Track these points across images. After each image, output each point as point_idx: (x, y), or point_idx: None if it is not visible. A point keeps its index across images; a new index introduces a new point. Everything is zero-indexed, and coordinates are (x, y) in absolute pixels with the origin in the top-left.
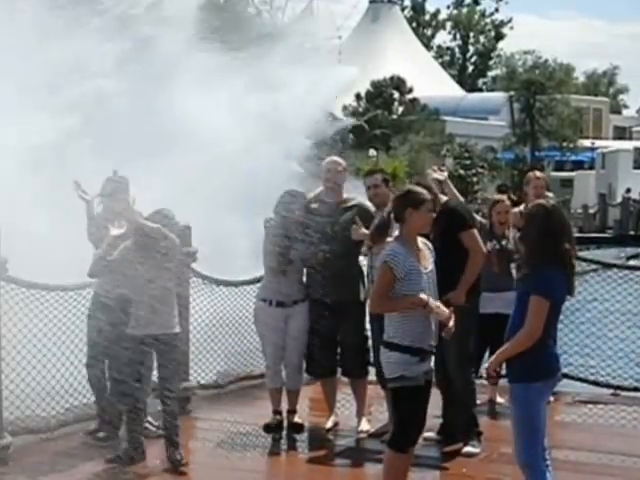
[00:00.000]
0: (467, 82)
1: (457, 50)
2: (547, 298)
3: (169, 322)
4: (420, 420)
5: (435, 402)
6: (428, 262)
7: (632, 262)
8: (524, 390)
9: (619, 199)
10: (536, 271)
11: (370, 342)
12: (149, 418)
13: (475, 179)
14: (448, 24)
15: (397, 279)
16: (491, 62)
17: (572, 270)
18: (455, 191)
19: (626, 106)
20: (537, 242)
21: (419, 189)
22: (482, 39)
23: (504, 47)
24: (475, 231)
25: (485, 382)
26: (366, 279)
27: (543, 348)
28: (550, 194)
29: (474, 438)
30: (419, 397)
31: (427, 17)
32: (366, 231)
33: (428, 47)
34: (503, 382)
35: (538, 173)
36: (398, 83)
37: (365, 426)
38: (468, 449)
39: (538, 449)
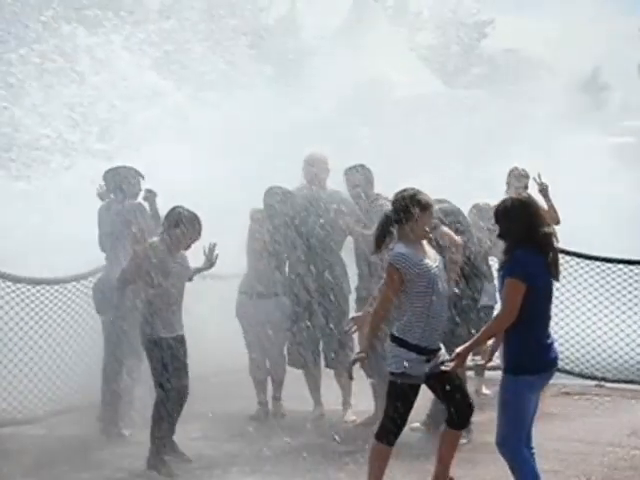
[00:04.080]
0: (450, 80)
1: (440, 49)
2: (522, 280)
3: (182, 321)
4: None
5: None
6: (435, 256)
7: None
8: (514, 381)
9: None
10: (511, 256)
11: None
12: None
13: None
14: (431, 24)
15: (405, 280)
16: (474, 61)
17: (554, 254)
18: None
19: None
20: (512, 230)
21: (423, 191)
22: (464, 38)
23: (486, 46)
24: (444, 228)
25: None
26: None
27: (536, 340)
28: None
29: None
30: (414, 395)
31: (410, 17)
32: (361, 229)
33: (411, 46)
34: (489, 374)
35: (520, 167)
36: (381, 82)
37: (351, 417)
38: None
39: (520, 437)
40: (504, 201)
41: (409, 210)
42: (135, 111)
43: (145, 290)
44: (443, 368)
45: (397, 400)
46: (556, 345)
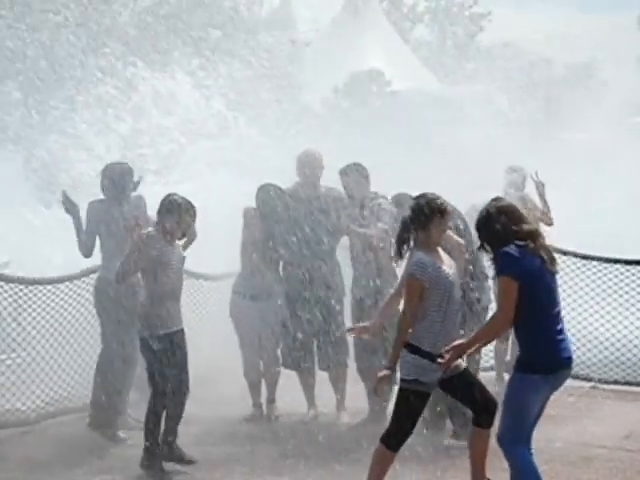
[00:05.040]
0: (446, 75)
1: (435, 43)
2: (513, 278)
3: (180, 315)
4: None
5: None
6: (450, 262)
7: None
8: (520, 380)
9: None
10: (497, 257)
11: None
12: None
13: None
14: (426, 17)
15: (425, 288)
16: (469, 55)
17: (545, 250)
18: None
19: None
20: (493, 238)
21: (441, 196)
22: (460, 32)
23: (483, 39)
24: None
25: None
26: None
27: (543, 339)
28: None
29: (459, 429)
30: (424, 403)
31: (405, 10)
32: (359, 229)
33: (406, 40)
34: (484, 375)
35: (517, 166)
36: (376, 76)
37: (345, 419)
38: (453, 440)
39: (518, 436)
40: (482, 211)
41: (429, 216)
42: (197, 146)
43: (145, 283)
44: (439, 360)
45: (406, 407)
46: (569, 345)
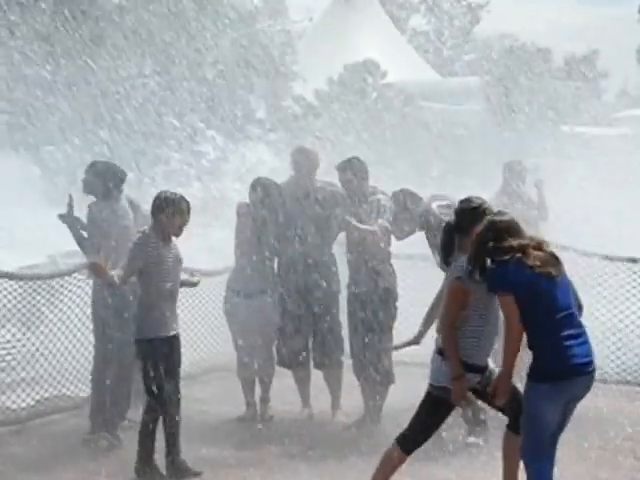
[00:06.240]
0: (443, 66)
1: (432, 34)
2: (507, 291)
3: (177, 318)
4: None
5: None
6: None
7: None
8: (533, 389)
9: None
10: (488, 272)
11: (345, 332)
12: None
13: None
14: (422, 7)
15: (470, 293)
16: (467, 46)
17: (535, 256)
18: None
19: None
20: (480, 253)
21: (485, 201)
22: (457, 22)
23: (480, 30)
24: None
25: None
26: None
27: (549, 347)
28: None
29: (477, 428)
30: (448, 411)
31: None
32: (360, 225)
33: (402, 30)
34: None
35: (516, 161)
36: (371, 67)
37: (340, 418)
38: (472, 439)
39: (541, 449)
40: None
41: (473, 221)
42: None
43: (141, 284)
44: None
45: (429, 413)
46: (584, 350)
